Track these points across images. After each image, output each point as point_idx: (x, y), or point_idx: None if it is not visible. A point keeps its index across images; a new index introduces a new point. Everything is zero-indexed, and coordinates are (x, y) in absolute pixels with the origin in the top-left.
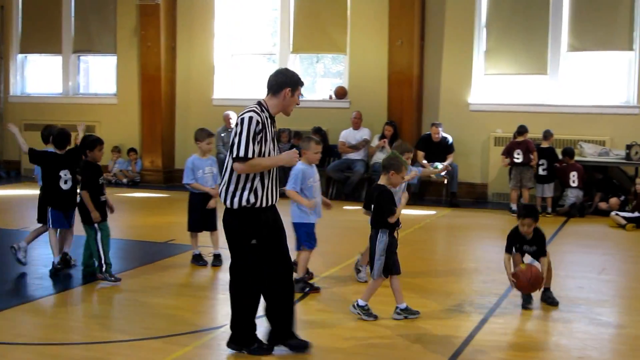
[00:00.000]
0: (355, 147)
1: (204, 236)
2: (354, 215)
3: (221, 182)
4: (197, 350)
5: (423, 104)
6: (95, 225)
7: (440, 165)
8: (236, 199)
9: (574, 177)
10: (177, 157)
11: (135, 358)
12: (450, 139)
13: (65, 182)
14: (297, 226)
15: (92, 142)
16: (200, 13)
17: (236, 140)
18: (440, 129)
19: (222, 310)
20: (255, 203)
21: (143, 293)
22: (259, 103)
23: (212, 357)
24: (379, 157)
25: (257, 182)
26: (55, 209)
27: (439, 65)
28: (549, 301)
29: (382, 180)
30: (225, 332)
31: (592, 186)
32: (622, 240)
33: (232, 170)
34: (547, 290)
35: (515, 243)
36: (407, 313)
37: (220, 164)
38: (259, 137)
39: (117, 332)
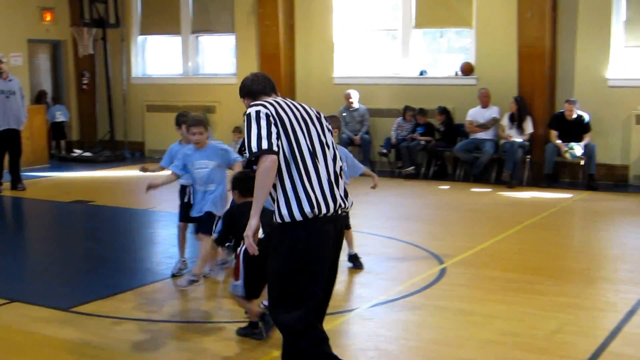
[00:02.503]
0: (483, 127)
1: None
2: (482, 198)
3: (338, 183)
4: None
5: (556, 79)
6: None
7: (576, 147)
8: None
9: None
10: None
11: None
12: (586, 117)
13: None
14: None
15: None
16: None
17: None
18: (575, 106)
19: (355, 292)
20: None
21: None
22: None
23: (342, 339)
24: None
25: None
26: None
27: (573, 38)
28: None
29: None
30: (356, 315)
31: None
32: None
33: None
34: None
35: None
36: None
37: (344, 144)
38: None
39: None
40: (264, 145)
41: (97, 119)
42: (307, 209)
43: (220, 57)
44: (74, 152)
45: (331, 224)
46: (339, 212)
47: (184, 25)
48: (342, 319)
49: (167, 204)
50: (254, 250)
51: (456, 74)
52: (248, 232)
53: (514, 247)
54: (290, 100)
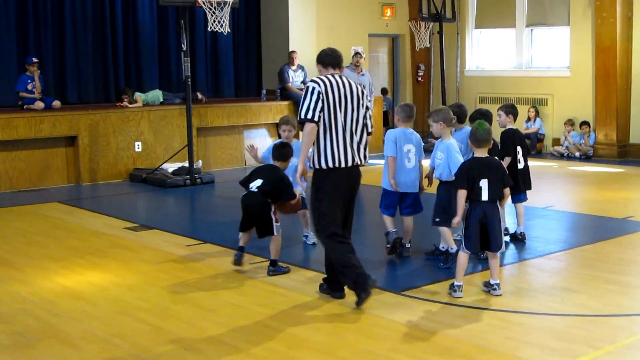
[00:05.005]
0: None
1: None
2: None
3: (359, 147)
4: None
5: None
6: None
7: None
8: None
9: None
10: (632, 131)
11: (599, 334)
12: None
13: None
14: None
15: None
16: None
17: None
18: None
19: None
20: None
21: (594, 267)
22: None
23: None
24: None
25: None
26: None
27: None
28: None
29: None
30: None
31: None
32: None
33: None
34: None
35: None
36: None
37: None
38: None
39: (577, 306)
40: (309, 115)
41: (430, 110)
42: (329, 162)
43: (553, 49)
44: None
45: (346, 173)
46: (354, 165)
47: (518, 19)
48: None
49: None
50: (302, 186)
51: None
52: (297, 174)
53: None
54: (343, 78)
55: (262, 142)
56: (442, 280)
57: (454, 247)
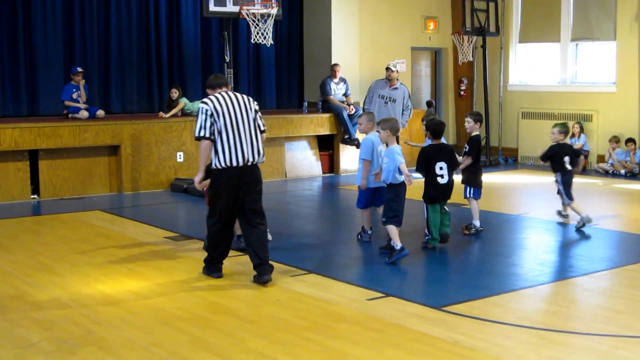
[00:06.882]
0: None
1: None
2: None
3: (252, 147)
4: None
5: None
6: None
7: None
8: None
9: None
10: None
11: None
12: None
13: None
14: None
15: None
16: None
17: None
18: None
19: None
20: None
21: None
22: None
23: None
24: None
25: None
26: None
27: None
28: None
29: None
30: None
31: None
32: None
33: None
34: None
35: None
36: None
37: None
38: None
39: (622, 326)
40: (202, 133)
41: None
42: (222, 162)
43: (599, 65)
44: None
45: (238, 171)
46: (247, 164)
47: (563, 33)
48: None
49: (540, 210)
50: (200, 187)
51: None
52: (196, 179)
53: None
54: (229, 92)
55: (303, 154)
56: (486, 297)
57: (399, 244)
